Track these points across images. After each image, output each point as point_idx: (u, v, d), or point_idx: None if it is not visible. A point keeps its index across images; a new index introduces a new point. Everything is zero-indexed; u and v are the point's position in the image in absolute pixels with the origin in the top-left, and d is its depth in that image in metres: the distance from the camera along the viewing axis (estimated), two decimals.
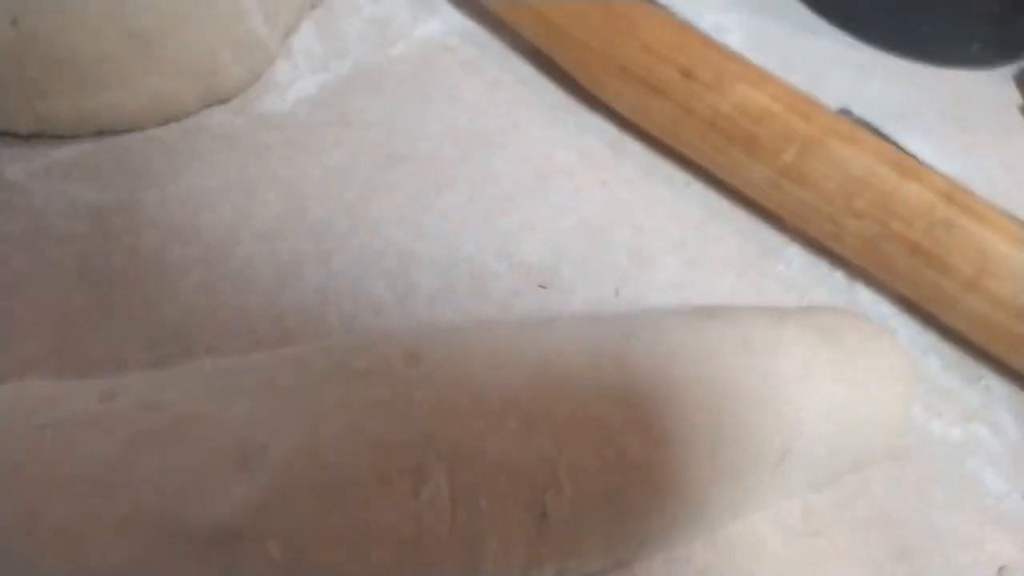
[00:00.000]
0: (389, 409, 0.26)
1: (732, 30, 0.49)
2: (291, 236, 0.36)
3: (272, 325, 0.33)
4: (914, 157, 0.38)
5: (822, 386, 0.30)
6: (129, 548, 0.23)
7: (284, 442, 0.25)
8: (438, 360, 0.28)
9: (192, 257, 0.34)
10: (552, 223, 0.39)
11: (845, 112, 0.41)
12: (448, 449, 0.26)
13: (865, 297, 0.39)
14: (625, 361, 0.29)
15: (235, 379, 0.27)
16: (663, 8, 0.42)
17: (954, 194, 0.36)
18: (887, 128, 0.40)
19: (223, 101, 0.39)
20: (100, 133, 0.37)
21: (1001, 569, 0.32)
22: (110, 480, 0.24)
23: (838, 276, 0.40)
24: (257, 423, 0.25)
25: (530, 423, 0.27)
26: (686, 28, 0.41)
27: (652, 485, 0.27)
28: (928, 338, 0.38)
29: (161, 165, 0.37)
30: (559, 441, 0.26)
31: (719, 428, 0.29)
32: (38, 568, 0.23)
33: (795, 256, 0.40)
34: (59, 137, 0.37)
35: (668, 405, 0.28)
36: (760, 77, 0.39)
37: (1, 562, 0.23)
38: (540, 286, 0.37)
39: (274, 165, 0.38)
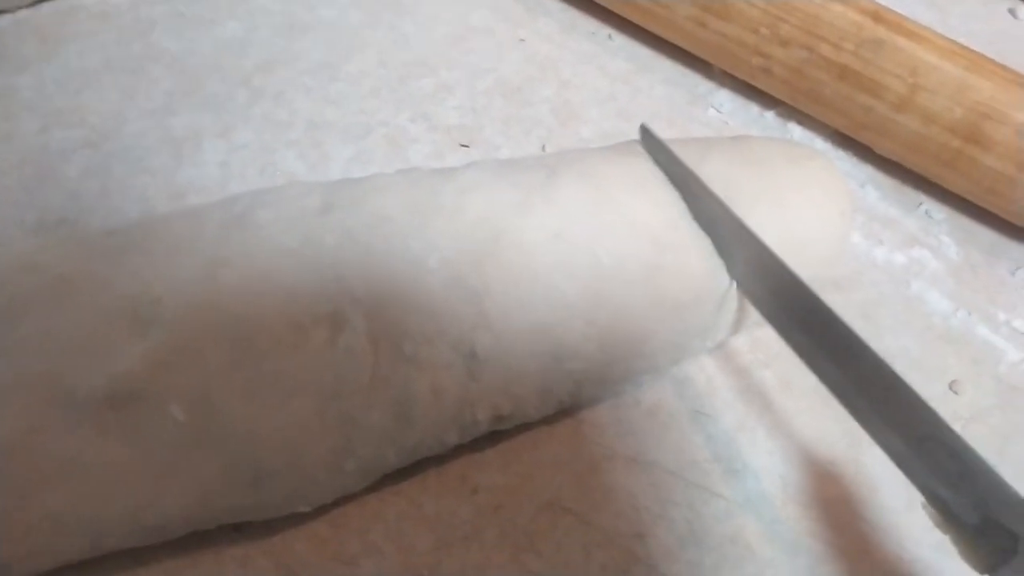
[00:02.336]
0: (298, 255, 0.24)
1: None
2: (184, 111, 0.33)
3: (171, 203, 0.31)
4: None
5: (755, 211, 0.29)
6: (13, 419, 0.21)
7: (181, 294, 0.23)
8: (351, 206, 0.25)
9: (76, 139, 0.32)
10: (470, 83, 0.37)
11: None
12: (366, 293, 0.24)
13: (798, 135, 0.38)
14: (552, 196, 0.27)
15: (122, 238, 0.24)
16: None
17: (880, 13, 0.35)
18: None
19: None
20: None
21: (952, 383, 0.32)
22: None
23: (769, 116, 0.38)
24: (149, 277, 0.23)
25: (453, 261, 0.25)
26: None
27: (585, 318, 0.26)
28: (865, 170, 0.37)
29: (34, 48, 0.34)
30: (485, 277, 0.25)
31: (655, 260, 0.27)
32: None
33: (725, 100, 0.39)
34: None
35: (601, 237, 0.27)
36: None
37: None
38: (462, 145, 0.35)
39: (161, 40, 0.35)
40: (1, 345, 0.22)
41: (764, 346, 0.32)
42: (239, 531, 0.26)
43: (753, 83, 0.38)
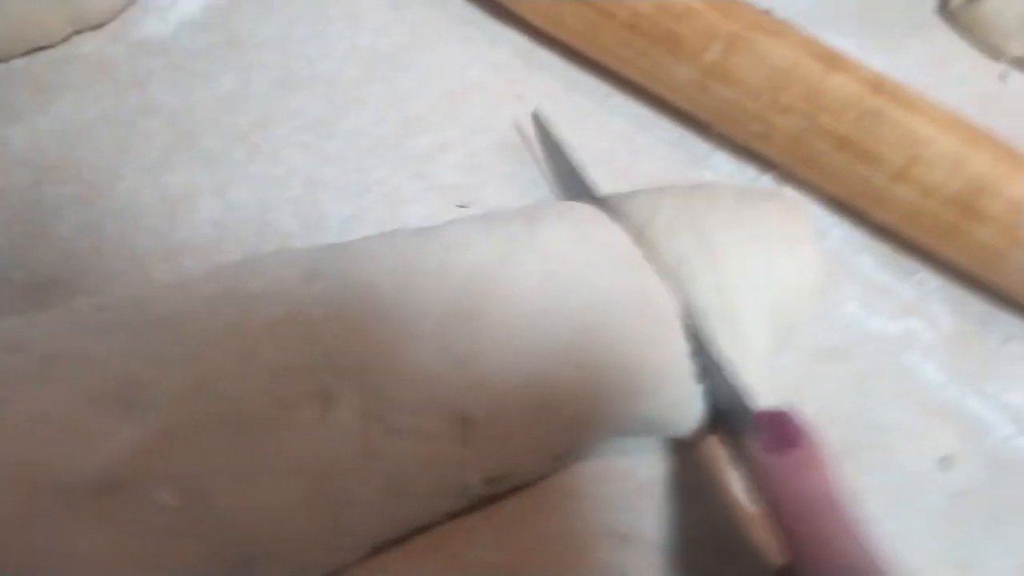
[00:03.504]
0: (285, 330, 0.24)
1: None
2: (180, 168, 0.33)
3: (165, 264, 0.30)
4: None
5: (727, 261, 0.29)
6: (1, 505, 0.21)
7: (170, 376, 0.22)
8: (336, 275, 0.25)
9: (69, 195, 0.31)
10: (468, 142, 0.37)
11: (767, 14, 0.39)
12: (354, 366, 0.24)
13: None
14: (535, 242, 0.27)
15: (109, 314, 0.24)
16: None
17: (881, 84, 0.35)
18: (809, 31, 0.38)
19: (96, 26, 0.36)
20: None
21: (943, 459, 0.32)
22: None
23: (766, 180, 0.38)
24: (138, 357, 0.23)
25: (441, 325, 0.24)
26: None
27: (577, 360, 0.26)
28: (860, 237, 0.37)
29: (28, 98, 0.33)
30: (475, 338, 0.24)
31: (640, 284, 0.27)
32: None
33: (723, 163, 0.39)
34: None
35: (587, 272, 0.27)
36: None
37: None
38: (459, 206, 0.34)
39: (157, 94, 0.34)
40: None
41: None
42: None
43: (751, 148, 0.38)
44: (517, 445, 0.26)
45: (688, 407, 0.29)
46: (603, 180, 0.37)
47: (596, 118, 0.39)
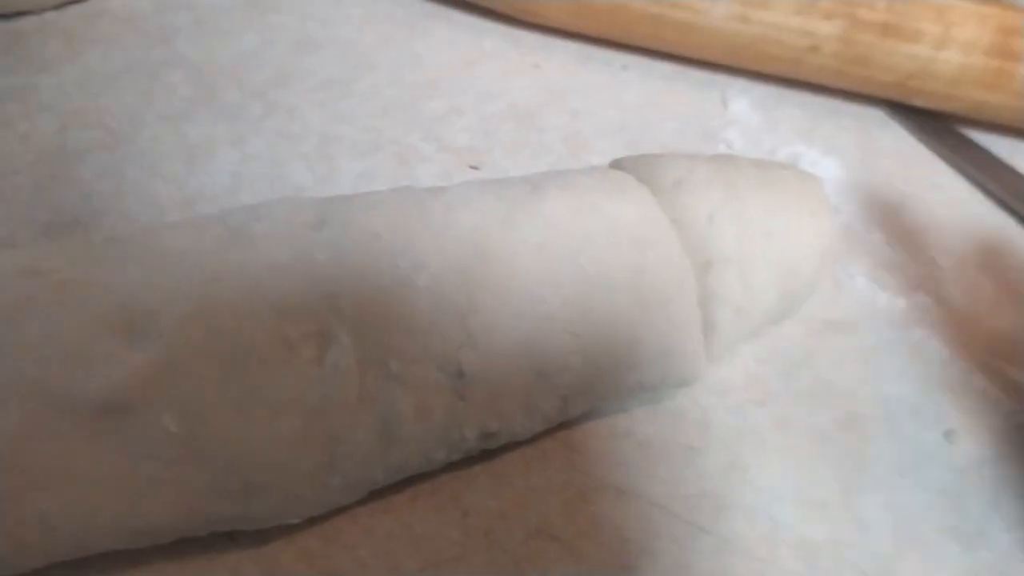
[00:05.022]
0: (290, 271, 0.24)
1: None
2: (200, 119, 0.33)
3: (181, 209, 0.31)
4: None
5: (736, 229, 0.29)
6: (9, 421, 0.21)
7: (176, 308, 0.23)
8: (343, 223, 0.26)
9: (92, 140, 0.32)
10: (481, 107, 0.37)
11: None
12: (353, 311, 0.24)
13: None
14: (536, 209, 0.27)
15: (122, 247, 0.25)
16: None
17: None
18: None
19: None
20: None
21: (947, 433, 0.32)
22: None
23: (782, 154, 0.38)
24: (146, 289, 0.23)
25: (439, 278, 0.25)
26: None
27: (570, 330, 0.26)
28: (872, 213, 0.37)
29: (58, 49, 0.34)
30: (471, 295, 0.25)
31: (637, 261, 0.27)
32: None
33: (735, 138, 0.39)
34: None
35: (584, 246, 0.27)
36: None
37: None
38: (471, 167, 0.35)
39: (181, 47, 0.35)
40: (1, 347, 0.22)
41: (760, 384, 0.32)
42: (231, 539, 0.26)
43: (795, 73, 0.39)
44: (510, 404, 0.26)
45: (688, 366, 0.29)
46: (617, 152, 0.37)
47: (609, 90, 0.39)
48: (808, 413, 0.31)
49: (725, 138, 0.39)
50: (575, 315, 0.26)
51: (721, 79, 0.41)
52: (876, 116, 0.41)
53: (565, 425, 0.30)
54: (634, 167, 0.31)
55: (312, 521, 0.26)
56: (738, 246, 0.29)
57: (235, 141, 0.33)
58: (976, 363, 0.33)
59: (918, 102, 0.40)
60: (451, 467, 0.27)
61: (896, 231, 0.37)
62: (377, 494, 0.27)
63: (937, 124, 0.41)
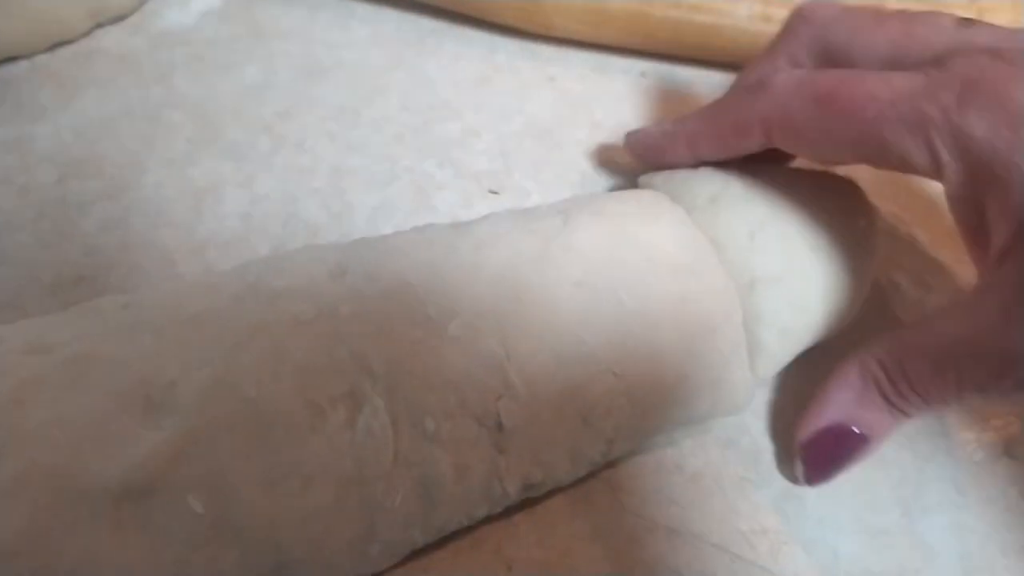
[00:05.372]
0: (313, 328, 0.23)
1: None
2: (205, 160, 0.32)
3: (192, 258, 0.30)
4: None
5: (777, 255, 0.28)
6: (23, 514, 0.20)
7: (196, 377, 0.22)
8: (365, 271, 0.24)
9: (93, 190, 0.30)
10: (498, 126, 0.35)
11: None
12: (383, 367, 0.23)
13: None
14: (569, 242, 0.26)
15: (135, 313, 0.23)
16: None
17: None
18: None
19: (117, 19, 0.35)
20: None
21: (1008, 447, 0.30)
22: None
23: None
24: (163, 359, 0.22)
25: (473, 326, 0.23)
26: None
27: (613, 370, 0.24)
28: (914, 214, 0.35)
29: (52, 95, 0.33)
30: (507, 341, 0.23)
31: (678, 290, 0.26)
32: None
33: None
34: None
35: (622, 278, 0.25)
36: None
37: None
38: (491, 191, 0.33)
39: (180, 85, 0.34)
40: (9, 435, 0.20)
41: None
42: None
43: None
44: (555, 453, 0.24)
45: (737, 394, 0.27)
46: (638, 164, 0.36)
47: (629, 99, 0.38)
48: None
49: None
50: (618, 354, 0.25)
51: None
52: None
53: (609, 463, 0.28)
54: (665, 185, 0.30)
55: None
56: (783, 263, 0.28)
57: (243, 181, 0.32)
58: None
59: None
60: (491, 517, 0.26)
61: (939, 231, 0.35)
62: (416, 551, 0.25)
63: None
